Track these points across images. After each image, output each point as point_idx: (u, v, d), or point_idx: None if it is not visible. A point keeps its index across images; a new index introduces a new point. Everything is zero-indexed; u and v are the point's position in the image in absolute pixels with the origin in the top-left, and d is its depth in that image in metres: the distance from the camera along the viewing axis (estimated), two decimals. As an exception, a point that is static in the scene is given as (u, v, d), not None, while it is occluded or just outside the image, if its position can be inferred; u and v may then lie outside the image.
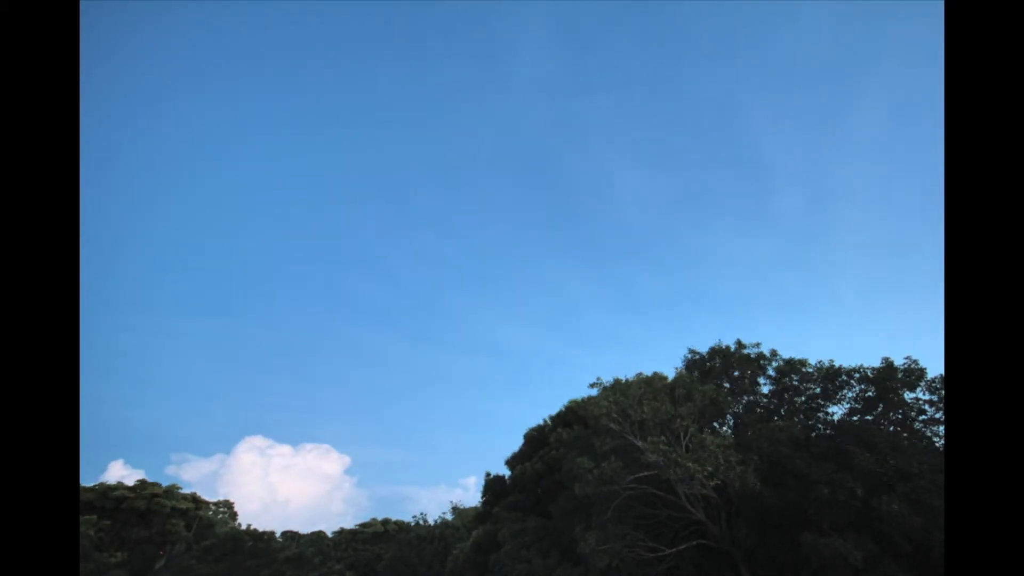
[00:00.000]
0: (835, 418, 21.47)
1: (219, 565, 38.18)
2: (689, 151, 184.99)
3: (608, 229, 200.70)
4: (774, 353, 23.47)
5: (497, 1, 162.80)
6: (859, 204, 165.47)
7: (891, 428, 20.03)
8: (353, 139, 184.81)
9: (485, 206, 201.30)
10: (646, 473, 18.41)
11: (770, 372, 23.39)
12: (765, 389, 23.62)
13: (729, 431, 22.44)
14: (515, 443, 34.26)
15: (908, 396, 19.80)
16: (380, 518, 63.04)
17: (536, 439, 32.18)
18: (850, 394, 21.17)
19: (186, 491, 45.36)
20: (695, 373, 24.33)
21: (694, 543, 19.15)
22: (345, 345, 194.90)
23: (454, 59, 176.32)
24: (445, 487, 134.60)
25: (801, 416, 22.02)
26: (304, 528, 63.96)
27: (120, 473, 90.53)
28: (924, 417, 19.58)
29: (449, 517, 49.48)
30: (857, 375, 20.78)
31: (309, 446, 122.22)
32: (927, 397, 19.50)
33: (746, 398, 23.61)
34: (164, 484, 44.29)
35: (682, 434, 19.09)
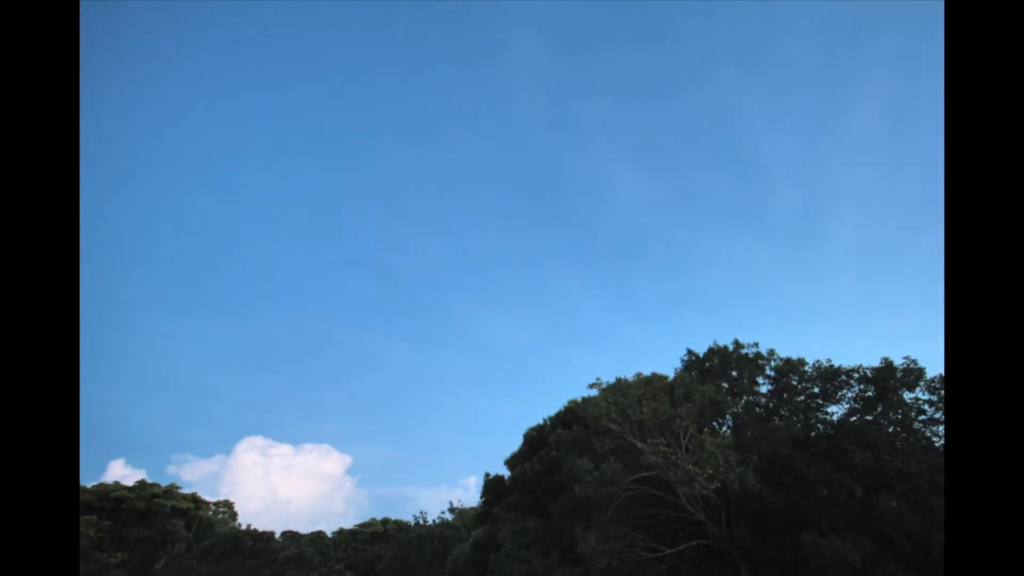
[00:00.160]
0: (834, 418, 21.47)
1: (219, 565, 38.20)
2: (685, 153, 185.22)
3: (606, 230, 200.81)
4: (772, 353, 23.46)
5: (493, 3, 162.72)
6: (855, 205, 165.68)
7: (890, 428, 20.04)
8: (352, 141, 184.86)
9: (483, 208, 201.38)
10: (646, 474, 18.42)
11: (769, 372, 23.38)
12: (764, 389, 23.62)
13: (728, 431, 22.44)
14: (515, 443, 34.27)
15: (907, 396, 19.80)
16: (380, 518, 63.07)
17: (536, 439, 32.17)
18: (849, 394, 21.17)
19: (186, 491, 45.36)
20: (694, 373, 24.32)
21: (694, 543, 19.16)
22: (345, 346, 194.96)
23: (451, 61, 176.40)
24: (446, 487, 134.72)
25: (800, 416, 22.03)
26: (305, 528, 63.95)
27: (120, 473, 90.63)
28: (923, 417, 19.59)
29: (449, 517, 49.50)
30: (856, 375, 20.78)
31: (310, 446, 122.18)
32: (926, 397, 19.51)
33: (745, 398, 23.61)
34: (164, 484, 44.30)
35: (681, 434, 19.09)
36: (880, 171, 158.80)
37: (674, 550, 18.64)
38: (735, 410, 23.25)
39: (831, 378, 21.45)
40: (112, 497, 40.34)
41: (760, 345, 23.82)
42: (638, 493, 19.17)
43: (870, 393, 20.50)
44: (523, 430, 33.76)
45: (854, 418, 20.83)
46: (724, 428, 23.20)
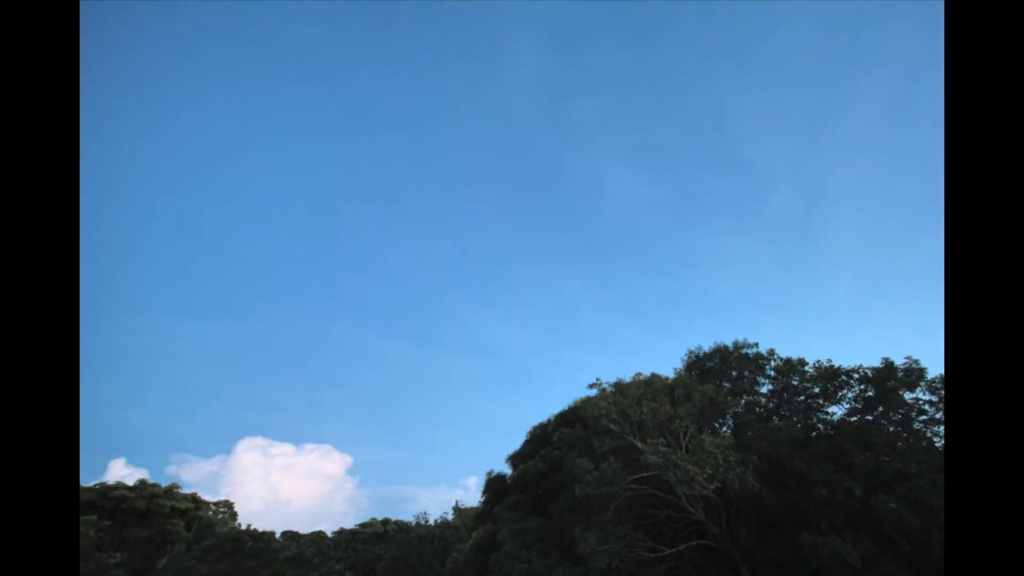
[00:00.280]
0: (834, 418, 21.46)
1: (219, 565, 38.22)
2: (683, 153, 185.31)
3: (605, 230, 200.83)
4: (773, 353, 23.45)
5: (492, 3, 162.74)
6: (855, 205, 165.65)
7: (891, 428, 20.02)
8: (351, 141, 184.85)
9: (483, 208, 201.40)
10: (646, 474, 18.42)
11: (769, 372, 23.37)
12: (764, 389, 23.60)
13: (728, 431, 22.43)
14: (515, 443, 34.29)
15: (908, 396, 19.78)
16: (380, 518, 63.04)
17: (539, 438, 32.15)
18: (850, 394, 21.15)
19: (186, 491, 45.39)
20: (694, 373, 24.32)
21: (694, 543, 19.16)
22: (346, 346, 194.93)
23: (451, 62, 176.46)
24: (446, 487, 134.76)
25: (800, 416, 22.01)
26: (305, 528, 63.92)
27: (120, 473, 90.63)
28: (924, 417, 19.56)
29: (449, 517, 49.49)
30: (857, 375, 20.76)
31: (310, 446, 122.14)
32: (927, 397, 19.49)
33: (745, 398, 23.60)
34: (164, 484, 44.35)
35: (681, 435, 19.09)
36: (879, 171, 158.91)
37: (674, 550, 18.64)
38: (735, 410, 23.24)
39: (831, 378, 21.43)
40: (112, 497, 40.37)
41: (760, 345, 23.85)
42: (638, 493, 19.17)
43: (870, 393, 20.48)
44: (523, 430, 33.85)
45: (854, 418, 20.82)
46: (724, 428, 23.18)
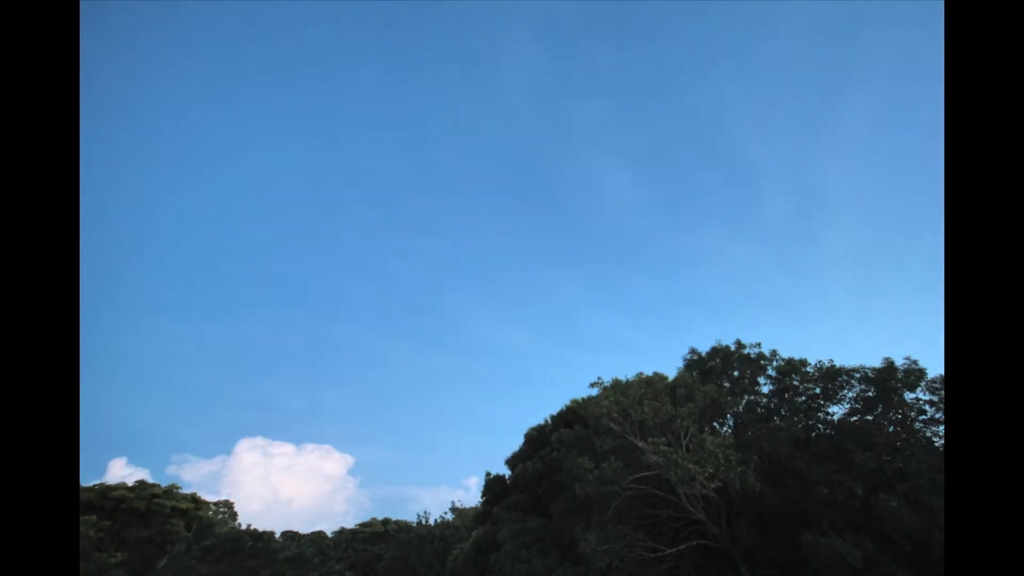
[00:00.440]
0: (835, 418, 21.46)
1: (219, 565, 38.22)
2: (678, 155, 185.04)
3: (602, 232, 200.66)
4: (774, 353, 23.47)
5: (490, 4, 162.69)
6: (851, 206, 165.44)
7: (891, 428, 20.03)
8: (349, 142, 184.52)
9: (480, 210, 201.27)
10: (646, 473, 18.41)
11: (770, 372, 23.39)
12: (765, 389, 23.62)
13: (729, 431, 22.44)
14: (515, 443, 34.27)
15: (908, 396, 19.79)
16: (381, 518, 63.03)
17: (537, 439, 32.16)
18: (850, 394, 21.16)
19: (186, 491, 45.38)
20: (696, 373, 24.32)
21: (694, 543, 19.15)
22: (345, 347, 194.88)
23: (450, 62, 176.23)
24: (447, 487, 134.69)
25: (801, 416, 22.01)
26: (307, 528, 63.93)
27: (121, 473, 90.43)
28: (924, 417, 19.57)
29: (449, 517, 49.49)
30: (857, 375, 20.76)
31: (311, 446, 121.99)
32: (927, 397, 19.50)
33: (746, 398, 23.61)
34: (164, 484, 44.34)
35: (682, 434, 19.09)
36: (877, 172, 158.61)
37: (674, 550, 18.63)
38: (736, 410, 23.25)
39: (832, 378, 21.44)
40: (112, 497, 40.34)
41: (760, 346, 23.87)
42: (638, 493, 19.17)
43: (871, 393, 20.48)
44: (523, 430, 33.78)
45: (855, 418, 20.82)
46: (725, 428, 23.20)
